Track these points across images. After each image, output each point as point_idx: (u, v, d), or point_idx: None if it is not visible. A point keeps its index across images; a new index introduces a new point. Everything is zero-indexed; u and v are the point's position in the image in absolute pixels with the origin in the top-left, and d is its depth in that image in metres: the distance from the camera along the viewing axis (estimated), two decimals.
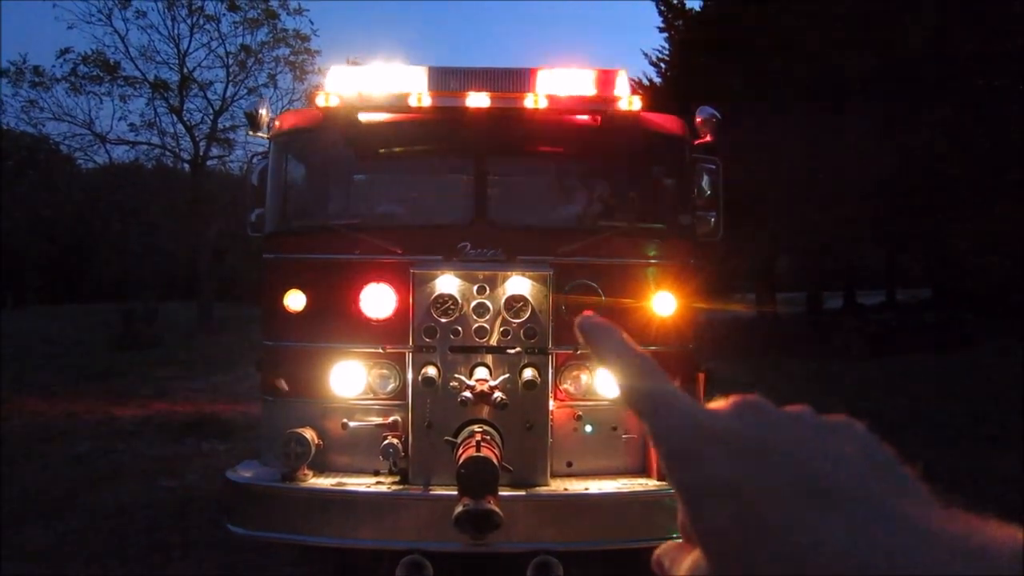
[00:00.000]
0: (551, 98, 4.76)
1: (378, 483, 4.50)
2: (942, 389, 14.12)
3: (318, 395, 4.74)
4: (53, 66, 29.92)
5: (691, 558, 0.51)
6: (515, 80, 5.09)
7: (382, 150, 5.31)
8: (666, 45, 27.10)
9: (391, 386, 4.69)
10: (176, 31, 30.60)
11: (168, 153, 32.74)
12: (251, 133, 5.19)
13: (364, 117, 4.88)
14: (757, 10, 19.74)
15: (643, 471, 4.70)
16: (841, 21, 17.74)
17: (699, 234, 5.43)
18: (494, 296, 4.53)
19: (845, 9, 17.69)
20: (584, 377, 4.72)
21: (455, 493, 3.93)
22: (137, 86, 30.70)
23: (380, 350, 4.69)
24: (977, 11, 16.71)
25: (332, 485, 4.46)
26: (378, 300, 4.70)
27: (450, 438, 4.31)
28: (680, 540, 0.55)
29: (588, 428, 4.72)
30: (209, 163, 33.12)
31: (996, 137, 16.22)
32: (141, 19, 29.89)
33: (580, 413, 4.72)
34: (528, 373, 4.46)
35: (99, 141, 30.77)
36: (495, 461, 3.96)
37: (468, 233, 4.75)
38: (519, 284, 4.52)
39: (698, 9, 25.24)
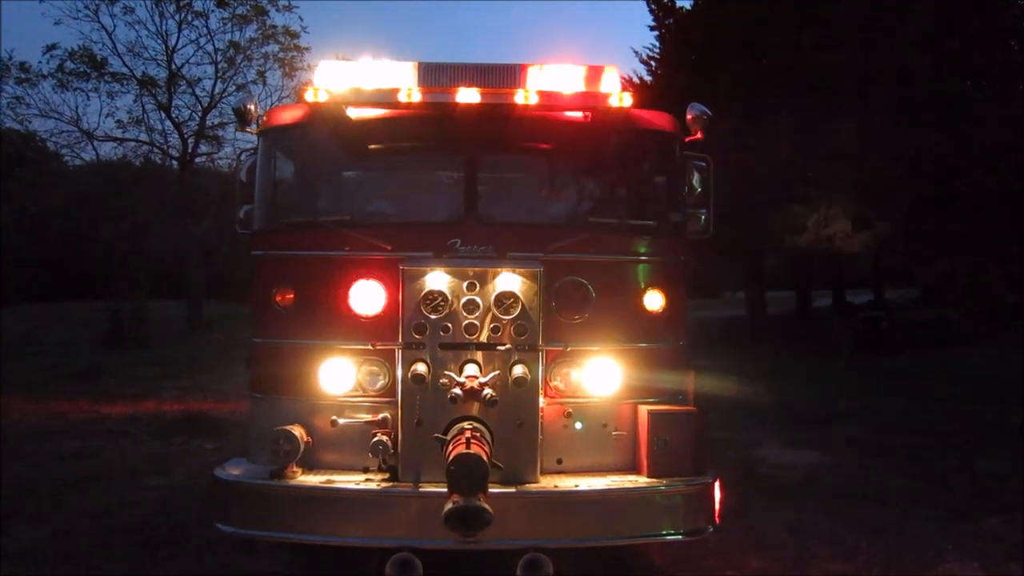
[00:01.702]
0: (541, 94, 4.74)
1: (367, 480, 4.48)
2: (930, 387, 14.19)
3: (307, 392, 4.71)
4: (40, 62, 29.77)
5: None
6: (505, 76, 5.07)
7: (371, 146, 5.28)
8: (656, 43, 27.12)
9: (380, 383, 4.68)
10: (164, 27, 30.46)
11: (156, 150, 32.62)
12: (240, 129, 5.16)
13: (353, 113, 4.85)
14: (748, 9, 19.76)
15: (633, 468, 4.69)
16: (834, 21, 17.80)
17: (689, 231, 5.43)
18: (484, 293, 4.52)
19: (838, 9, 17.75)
20: (574, 374, 4.72)
21: (445, 490, 3.92)
22: (125, 83, 30.55)
23: (369, 347, 4.67)
24: (965, 16, 16.81)
25: (321, 482, 4.44)
26: (368, 297, 4.68)
27: (440, 435, 4.30)
28: None
29: (578, 425, 4.72)
30: (197, 160, 33.02)
31: (985, 138, 16.31)
32: (128, 15, 29.78)
33: (570, 410, 4.71)
34: (518, 370, 4.45)
35: (87, 138, 30.65)
36: (485, 458, 3.95)
37: (458, 229, 4.74)
38: (509, 281, 4.51)
39: (689, 7, 25.25)
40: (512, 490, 4.36)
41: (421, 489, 4.37)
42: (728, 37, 20.55)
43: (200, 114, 31.66)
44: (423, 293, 4.46)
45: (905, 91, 16.88)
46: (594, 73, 5.07)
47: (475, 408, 4.42)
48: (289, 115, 5.25)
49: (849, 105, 17.40)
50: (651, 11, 26.06)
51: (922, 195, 17.52)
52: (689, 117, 5.19)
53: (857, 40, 17.47)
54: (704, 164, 5.49)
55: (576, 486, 4.44)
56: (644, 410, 4.63)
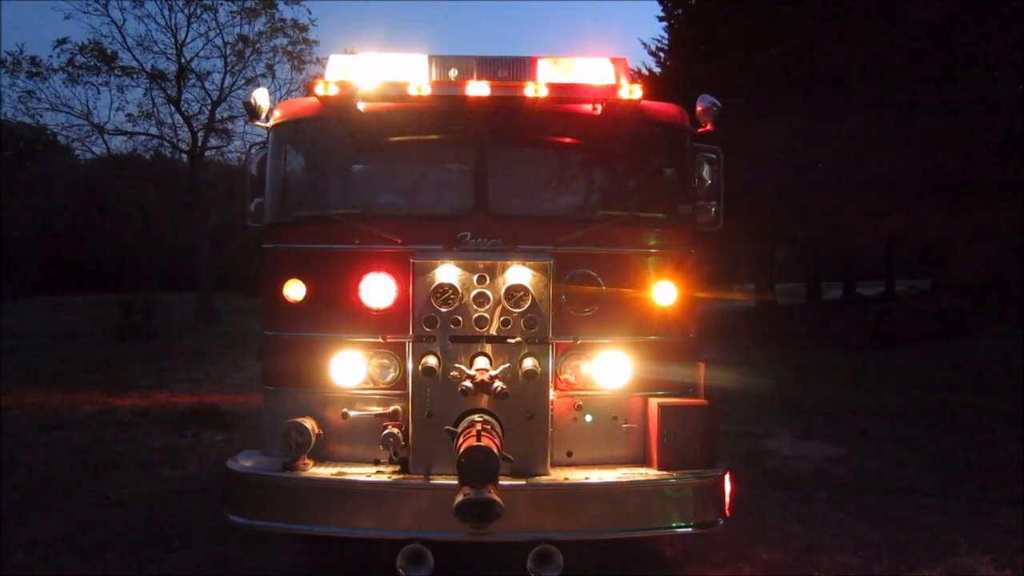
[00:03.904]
0: (551, 87, 4.72)
1: (378, 472, 4.50)
2: (941, 378, 14.14)
3: (318, 385, 4.73)
4: (50, 56, 30.03)
5: None
6: (515, 68, 5.06)
7: (382, 139, 5.28)
8: (665, 35, 27.05)
9: (391, 376, 4.69)
10: (173, 21, 30.56)
11: (166, 144, 32.78)
12: (250, 122, 5.16)
13: (363, 106, 4.85)
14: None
15: (643, 461, 4.70)
16: (843, 11, 17.67)
17: (699, 223, 5.41)
18: (494, 285, 4.52)
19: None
20: (584, 367, 4.72)
21: (456, 482, 3.94)
22: (135, 76, 30.69)
23: (380, 340, 4.68)
24: (978, 4, 16.63)
25: (333, 474, 4.46)
26: (378, 290, 4.69)
27: (450, 427, 4.31)
28: None
29: (588, 418, 4.72)
30: (207, 154, 33.09)
31: (995, 128, 16.16)
32: (138, 9, 29.90)
33: (580, 403, 4.72)
34: (528, 363, 4.46)
35: (97, 132, 30.76)
36: (495, 451, 3.97)
37: (468, 222, 4.74)
38: (519, 273, 4.51)
39: None
40: (522, 482, 4.37)
41: (432, 481, 4.39)
42: (737, 27, 20.45)
43: (209, 108, 31.78)
44: (433, 286, 4.47)
45: (916, 81, 16.75)
46: (604, 65, 5.05)
47: (485, 401, 4.44)
48: (300, 109, 5.26)
49: (859, 94, 17.29)
50: (660, 2, 26.00)
51: (933, 185, 17.39)
52: (699, 109, 5.17)
53: (868, 29, 17.34)
54: (714, 156, 5.47)
55: (586, 479, 4.45)
56: (654, 403, 4.63)
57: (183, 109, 31.42)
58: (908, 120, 16.51)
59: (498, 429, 4.31)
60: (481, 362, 4.48)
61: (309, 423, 4.52)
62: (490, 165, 4.91)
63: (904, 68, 16.89)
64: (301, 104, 5.30)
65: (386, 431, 4.46)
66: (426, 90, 4.69)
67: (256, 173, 5.57)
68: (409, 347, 4.57)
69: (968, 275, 23.53)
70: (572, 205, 5.35)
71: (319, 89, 4.75)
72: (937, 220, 18.74)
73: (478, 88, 4.69)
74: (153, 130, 31.82)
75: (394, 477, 4.45)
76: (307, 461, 4.53)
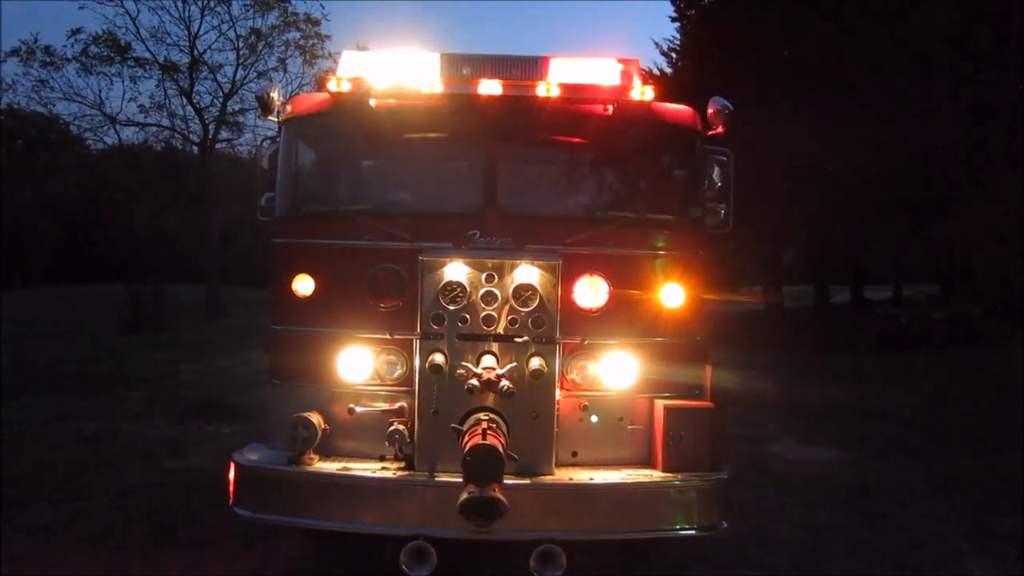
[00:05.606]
0: (563, 86, 4.73)
1: (383, 468, 4.52)
2: (948, 385, 14.07)
3: (325, 380, 4.75)
4: (64, 46, 30.04)
5: None
6: (527, 68, 5.07)
7: (393, 136, 5.28)
8: (677, 35, 27.01)
9: (398, 372, 4.71)
10: (187, 13, 30.60)
11: (177, 135, 32.83)
12: (262, 117, 5.18)
13: (375, 103, 4.86)
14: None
15: (648, 462, 4.70)
16: (854, 12, 17.61)
17: (709, 226, 5.41)
18: (502, 284, 4.53)
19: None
20: (591, 367, 4.72)
21: (460, 480, 3.95)
22: (147, 68, 30.78)
23: (388, 336, 4.69)
24: (991, 5, 16.55)
25: (338, 470, 4.48)
26: (387, 286, 4.70)
27: (456, 425, 4.32)
28: None
29: (594, 418, 4.73)
30: (218, 146, 33.17)
31: (1006, 132, 16.10)
32: (152, 0, 29.90)
33: (586, 403, 4.72)
34: (535, 362, 4.46)
35: (109, 122, 30.87)
36: (501, 449, 3.97)
37: (478, 221, 4.74)
38: (528, 273, 4.52)
39: None
40: (527, 482, 4.38)
41: (437, 478, 4.39)
42: (749, 28, 20.39)
43: (221, 100, 31.84)
44: (442, 284, 4.48)
45: (927, 85, 16.68)
46: (615, 66, 5.05)
47: (491, 399, 4.44)
48: (312, 104, 5.26)
49: (870, 97, 17.22)
50: (673, 2, 25.95)
51: (943, 190, 17.35)
52: (710, 111, 5.15)
53: (880, 29, 17.26)
54: (724, 158, 5.46)
55: (591, 479, 4.46)
56: (660, 405, 4.64)
57: (195, 101, 31.51)
58: (919, 123, 16.44)
59: (504, 428, 4.32)
60: (488, 360, 4.48)
61: (315, 418, 4.53)
62: (500, 164, 4.92)
63: (916, 70, 16.81)
64: (313, 99, 5.30)
65: (392, 427, 4.48)
66: (438, 88, 4.70)
67: (267, 167, 5.59)
68: (416, 344, 4.58)
69: (978, 280, 23.44)
70: (581, 205, 5.35)
71: (331, 85, 4.76)
72: (947, 224, 18.67)
73: (490, 87, 4.70)
74: (165, 122, 31.95)
75: (399, 474, 4.47)
76: (312, 456, 4.54)
